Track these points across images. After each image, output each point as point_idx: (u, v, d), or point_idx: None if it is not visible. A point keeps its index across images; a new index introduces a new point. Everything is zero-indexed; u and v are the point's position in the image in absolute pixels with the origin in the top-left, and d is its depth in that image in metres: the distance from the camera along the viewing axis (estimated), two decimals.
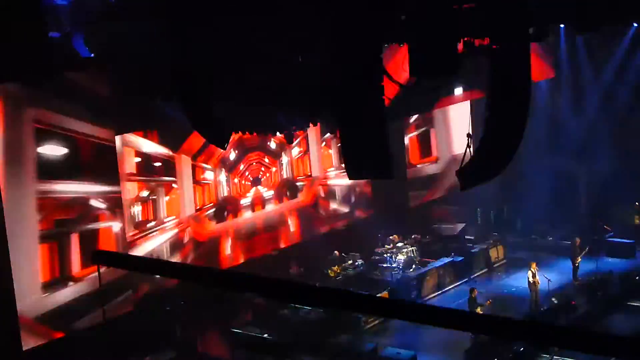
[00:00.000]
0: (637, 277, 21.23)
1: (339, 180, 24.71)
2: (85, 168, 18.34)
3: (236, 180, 22.28)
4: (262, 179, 23.02)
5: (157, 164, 20.28)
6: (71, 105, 17.74)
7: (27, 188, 17.03)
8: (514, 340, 16.10)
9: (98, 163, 18.66)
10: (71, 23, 14.53)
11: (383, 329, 20.03)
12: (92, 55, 15.07)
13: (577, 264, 22.18)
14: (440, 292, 22.57)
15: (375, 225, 24.77)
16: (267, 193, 23.18)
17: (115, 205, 18.99)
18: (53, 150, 17.59)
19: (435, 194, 27.59)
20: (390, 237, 24.12)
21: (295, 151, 24.04)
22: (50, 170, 17.49)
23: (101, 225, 18.73)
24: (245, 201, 22.57)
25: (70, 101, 17.69)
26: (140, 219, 19.75)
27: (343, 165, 12.53)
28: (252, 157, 22.84)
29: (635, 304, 20.41)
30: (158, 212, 20.31)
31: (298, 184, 24.14)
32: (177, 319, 19.50)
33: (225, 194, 22.11)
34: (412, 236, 24.55)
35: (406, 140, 26.68)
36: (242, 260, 22.28)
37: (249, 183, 22.66)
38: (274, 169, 23.45)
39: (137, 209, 19.71)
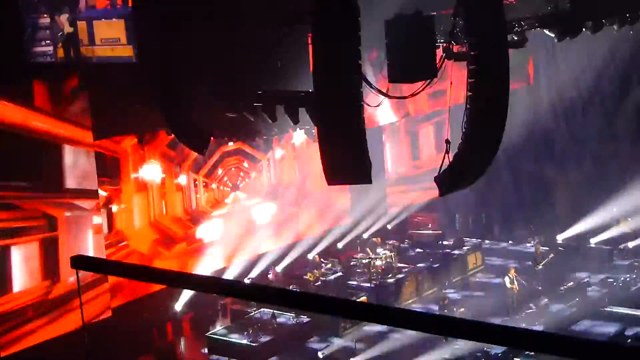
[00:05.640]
0: (614, 284, 21.36)
1: (320, 186, 24.64)
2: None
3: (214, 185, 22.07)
4: (241, 185, 22.82)
5: None
6: None
7: None
8: (490, 344, 16.19)
9: None
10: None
11: (361, 335, 20.01)
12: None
13: (537, 270, 22.10)
14: (418, 297, 22.58)
15: (354, 231, 24.83)
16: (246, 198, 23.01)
17: None
18: None
19: (414, 200, 27.57)
20: (373, 239, 24.26)
21: (278, 155, 23.97)
22: None
23: None
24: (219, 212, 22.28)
25: None
26: None
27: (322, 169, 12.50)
28: (231, 161, 22.60)
29: (612, 309, 20.50)
30: None
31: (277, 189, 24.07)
32: (155, 325, 19.41)
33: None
34: (391, 242, 24.57)
35: (386, 144, 26.67)
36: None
37: (228, 189, 22.45)
38: (249, 178, 23.22)
39: None
